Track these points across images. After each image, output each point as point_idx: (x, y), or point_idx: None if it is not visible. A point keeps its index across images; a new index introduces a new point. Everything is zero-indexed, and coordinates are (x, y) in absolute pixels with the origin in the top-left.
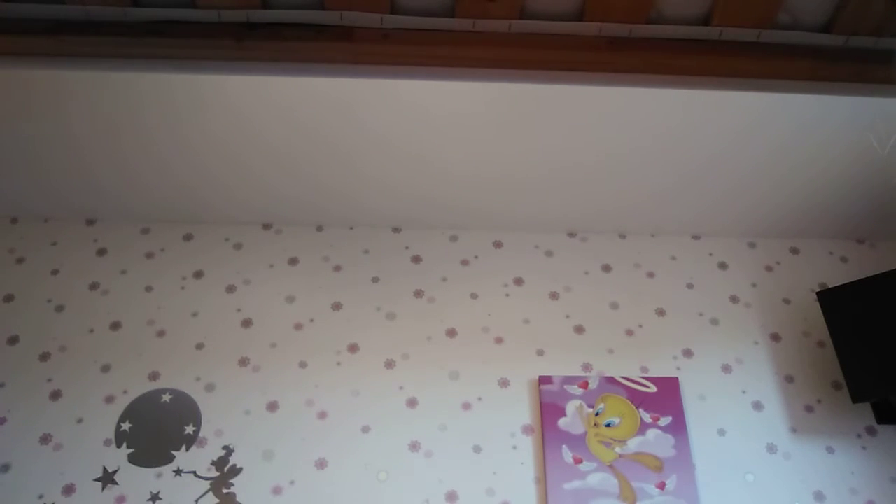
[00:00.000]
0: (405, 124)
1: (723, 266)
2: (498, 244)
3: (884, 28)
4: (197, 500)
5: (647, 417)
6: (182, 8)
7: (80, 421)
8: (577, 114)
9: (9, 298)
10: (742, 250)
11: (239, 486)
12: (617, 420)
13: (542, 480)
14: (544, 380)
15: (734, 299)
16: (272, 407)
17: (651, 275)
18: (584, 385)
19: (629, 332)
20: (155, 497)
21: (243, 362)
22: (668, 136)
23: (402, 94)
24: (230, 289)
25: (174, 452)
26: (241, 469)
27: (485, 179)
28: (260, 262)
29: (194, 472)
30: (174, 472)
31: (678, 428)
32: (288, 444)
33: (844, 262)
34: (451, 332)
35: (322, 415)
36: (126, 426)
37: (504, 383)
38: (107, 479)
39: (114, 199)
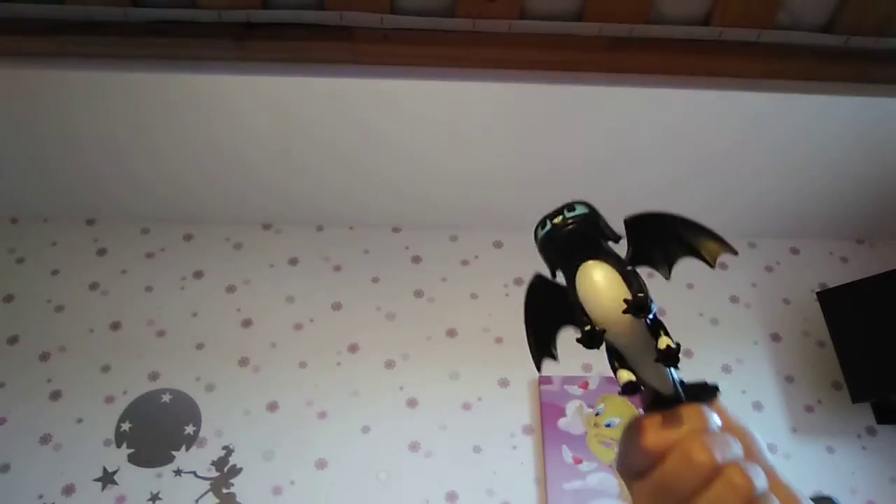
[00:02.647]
0: (405, 124)
1: (723, 266)
2: (498, 244)
3: (884, 28)
4: (197, 500)
5: None
6: (182, 8)
7: (80, 421)
8: (577, 114)
9: (9, 298)
10: (742, 250)
11: (239, 486)
12: (617, 420)
13: (542, 480)
14: (544, 380)
15: (734, 299)
16: (272, 407)
17: (651, 274)
18: (584, 385)
19: None
20: (155, 497)
21: (243, 362)
22: (667, 136)
23: (402, 94)
24: (230, 289)
25: (174, 452)
26: (241, 469)
27: (485, 179)
28: (260, 262)
29: (194, 472)
30: (174, 472)
31: None
32: (288, 444)
33: (844, 262)
34: (451, 332)
35: (322, 415)
36: (126, 426)
37: (504, 383)
38: (107, 479)
39: (114, 199)
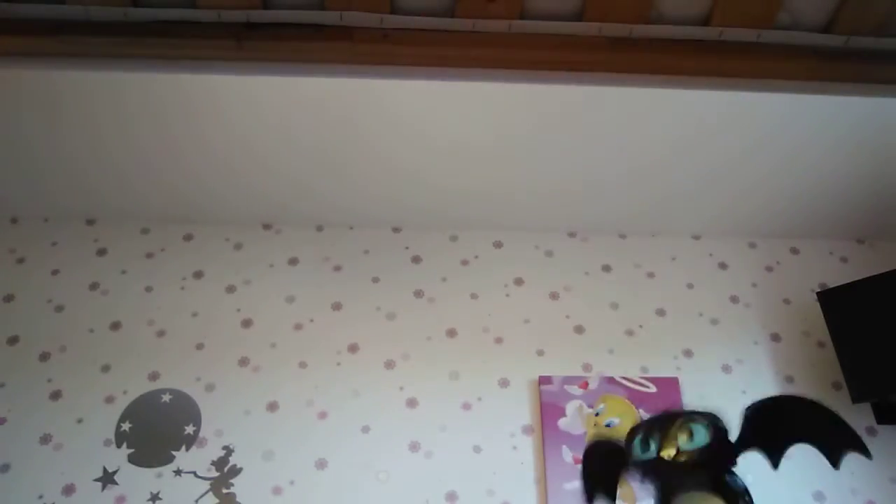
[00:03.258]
0: (405, 124)
1: (723, 266)
2: (498, 244)
3: (884, 28)
4: (197, 500)
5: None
6: (182, 8)
7: (80, 421)
8: (576, 114)
9: (9, 298)
10: (742, 250)
11: (239, 486)
12: (617, 420)
13: (542, 480)
14: (544, 380)
15: (734, 299)
16: (272, 407)
17: (651, 275)
18: (584, 385)
19: (629, 332)
20: (155, 497)
21: (243, 362)
22: (667, 136)
23: (401, 94)
24: (230, 289)
25: (174, 452)
26: (241, 469)
27: (485, 179)
28: (260, 262)
29: (194, 472)
30: (174, 472)
31: None
32: (288, 444)
33: (844, 262)
34: (451, 332)
35: (322, 415)
36: (126, 426)
37: (504, 383)
38: (107, 479)
39: (114, 199)
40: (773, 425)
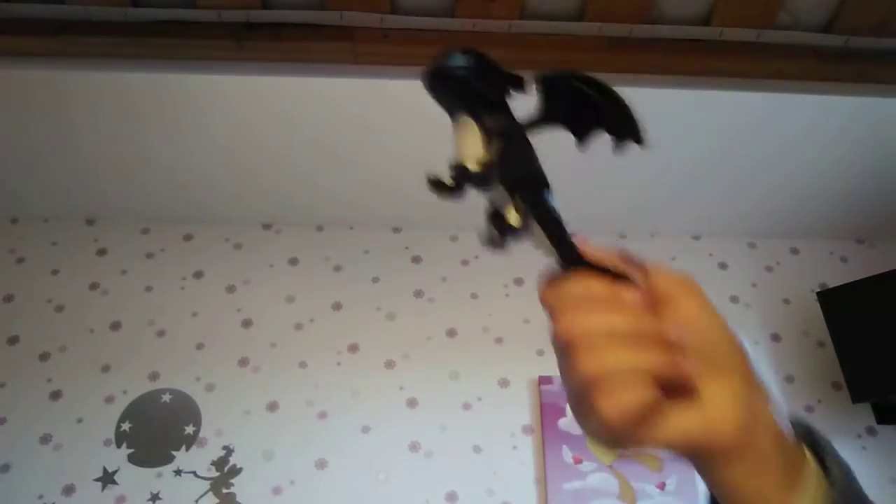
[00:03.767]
0: (405, 125)
1: (723, 266)
2: None
3: (884, 28)
4: (197, 500)
5: None
6: (182, 8)
7: (80, 421)
8: None
9: (9, 298)
10: (742, 250)
11: (239, 486)
12: None
13: (542, 480)
14: (544, 380)
15: (734, 299)
16: (272, 407)
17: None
18: None
19: None
20: (155, 497)
21: (243, 362)
22: (667, 136)
23: (402, 95)
24: (230, 289)
25: (174, 452)
26: (241, 469)
27: None
28: (260, 262)
29: (194, 472)
30: (174, 472)
31: None
32: (288, 444)
33: (844, 262)
34: (451, 332)
35: (322, 415)
36: (126, 426)
37: (504, 383)
38: (107, 479)
39: (114, 199)
40: (575, 105)
